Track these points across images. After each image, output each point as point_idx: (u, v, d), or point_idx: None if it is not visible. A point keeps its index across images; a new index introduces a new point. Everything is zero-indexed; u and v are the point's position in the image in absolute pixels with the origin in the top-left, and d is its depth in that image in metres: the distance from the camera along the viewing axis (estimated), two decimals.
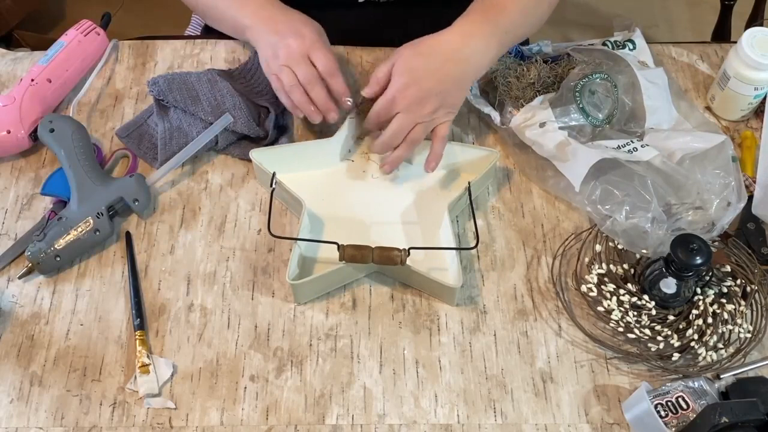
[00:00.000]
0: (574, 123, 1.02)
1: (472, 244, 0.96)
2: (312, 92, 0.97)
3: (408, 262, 0.90)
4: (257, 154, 0.99)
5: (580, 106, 1.01)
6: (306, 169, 1.01)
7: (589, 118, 1.02)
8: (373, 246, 0.90)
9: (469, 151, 1.02)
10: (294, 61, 0.97)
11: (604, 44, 1.14)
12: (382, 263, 0.90)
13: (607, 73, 1.03)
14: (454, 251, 0.93)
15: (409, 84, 0.94)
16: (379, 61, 1.14)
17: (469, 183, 0.98)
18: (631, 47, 1.14)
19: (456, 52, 0.96)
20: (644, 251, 0.92)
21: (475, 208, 1.00)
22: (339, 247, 0.90)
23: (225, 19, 1.07)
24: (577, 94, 1.02)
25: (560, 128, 1.01)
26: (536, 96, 1.05)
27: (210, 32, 1.32)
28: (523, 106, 1.04)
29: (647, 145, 0.98)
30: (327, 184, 1.02)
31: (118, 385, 0.87)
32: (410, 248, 0.90)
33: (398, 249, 0.90)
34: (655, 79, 1.07)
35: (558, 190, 1.00)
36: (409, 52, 0.96)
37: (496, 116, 1.05)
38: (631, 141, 0.99)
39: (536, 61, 1.09)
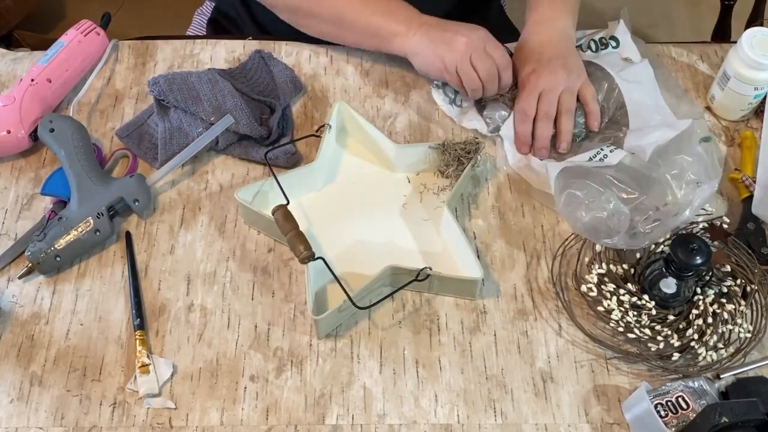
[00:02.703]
0: None
1: (473, 241, 0.97)
2: (488, 86, 1.03)
3: (426, 270, 0.91)
4: (242, 194, 0.95)
5: None
6: (293, 198, 0.96)
7: None
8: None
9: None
10: (476, 51, 1.01)
11: (588, 46, 1.14)
12: (406, 287, 0.92)
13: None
14: (465, 246, 0.93)
15: (535, 68, 1.03)
16: (379, 61, 1.14)
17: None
18: (614, 45, 1.13)
19: (550, 32, 1.07)
20: (608, 241, 0.92)
21: (474, 208, 1.01)
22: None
23: (361, 27, 1.06)
24: None
25: None
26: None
27: (214, 32, 1.31)
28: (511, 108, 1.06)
29: (615, 148, 0.99)
30: (316, 209, 1.00)
31: (118, 385, 0.87)
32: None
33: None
34: (638, 77, 1.07)
35: (551, 205, 1.01)
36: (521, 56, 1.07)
37: (483, 127, 1.06)
38: (601, 149, 0.99)
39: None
